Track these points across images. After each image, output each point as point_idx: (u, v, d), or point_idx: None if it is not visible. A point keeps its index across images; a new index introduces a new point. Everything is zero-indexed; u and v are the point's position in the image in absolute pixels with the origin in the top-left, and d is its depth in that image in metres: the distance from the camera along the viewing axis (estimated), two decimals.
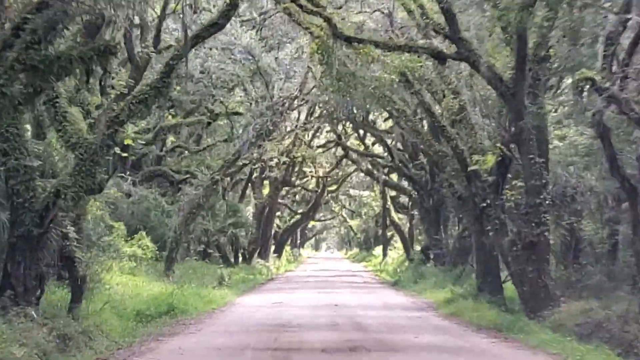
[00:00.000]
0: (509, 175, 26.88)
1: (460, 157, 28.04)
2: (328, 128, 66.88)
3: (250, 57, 36.47)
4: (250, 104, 36.73)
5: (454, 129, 28.76)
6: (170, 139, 47.77)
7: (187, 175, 41.40)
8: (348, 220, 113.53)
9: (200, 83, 37.51)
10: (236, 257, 58.19)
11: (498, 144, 25.76)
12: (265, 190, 64.23)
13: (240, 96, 37.59)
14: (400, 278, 46.00)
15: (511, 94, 24.44)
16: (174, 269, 36.43)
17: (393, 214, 61.22)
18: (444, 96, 29.01)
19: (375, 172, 54.41)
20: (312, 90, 38.51)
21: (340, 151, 71.78)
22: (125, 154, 32.65)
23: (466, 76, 29.46)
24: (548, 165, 25.38)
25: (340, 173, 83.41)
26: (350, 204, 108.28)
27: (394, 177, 60.48)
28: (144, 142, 38.56)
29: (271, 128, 35.90)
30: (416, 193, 49.72)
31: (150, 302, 25.23)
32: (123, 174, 37.22)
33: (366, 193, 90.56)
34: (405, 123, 30.10)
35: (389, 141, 49.67)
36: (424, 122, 34.86)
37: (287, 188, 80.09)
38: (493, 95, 28.14)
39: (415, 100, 29.27)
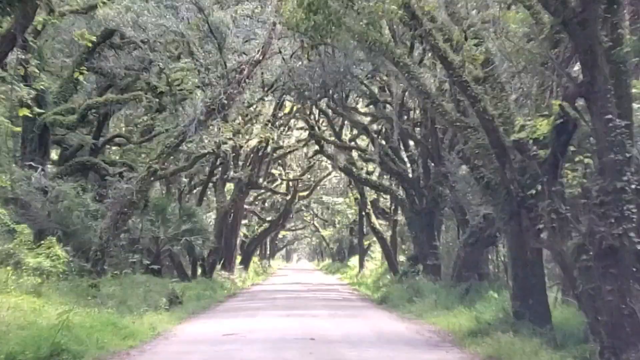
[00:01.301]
0: (571, 148, 17.59)
1: (490, 126, 18.82)
2: (300, 124, 57.79)
3: (199, 13, 27.28)
4: (199, 71, 27.15)
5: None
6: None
7: (124, 169, 31.86)
8: (320, 229, 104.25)
9: (133, 45, 28.21)
10: (194, 270, 48.68)
11: (556, 101, 16.52)
12: (229, 194, 54.71)
13: (186, 61, 28.06)
14: (387, 294, 36.58)
15: (578, 23, 15.28)
16: (100, 286, 26.93)
17: (373, 219, 51.88)
18: (465, 39, 19.71)
19: (354, 169, 45.02)
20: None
21: (311, 153, 62.70)
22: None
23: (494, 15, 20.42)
24: (633, 131, 16.07)
25: (312, 178, 74.40)
26: (322, 213, 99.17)
27: (374, 177, 51.09)
28: (70, 125, 29.40)
29: (225, 102, 26.46)
30: (404, 193, 40.41)
31: (28, 341, 15.82)
32: (36, 164, 27.82)
33: (340, 200, 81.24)
34: (409, 81, 20.73)
35: (374, 126, 40.31)
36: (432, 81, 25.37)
37: (254, 192, 70.93)
38: (529, 45, 19.18)
39: (421, 46, 19.94)
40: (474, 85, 19.24)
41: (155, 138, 31.87)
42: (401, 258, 52.31)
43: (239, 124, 32.58)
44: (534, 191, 17.49)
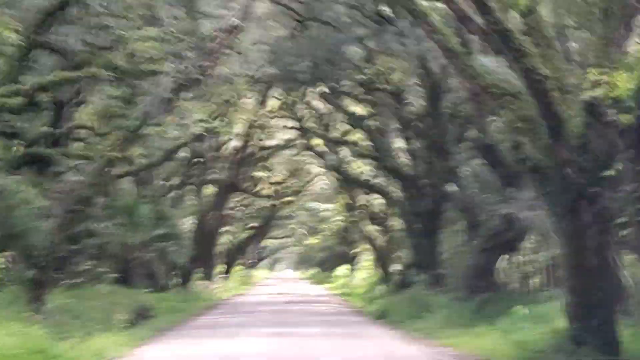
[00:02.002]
0: None
1: (541, 88, 13.93)
2: (285, 122, 52.77)
3: None
4: (164, 40, 22.04)
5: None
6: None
7: (81, 161, 26.69)
8: (306, 237, 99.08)
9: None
10: (170, 279, 43.57)
11: None
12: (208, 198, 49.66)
13: (150, 29, 22.97)
14: (386, 308, 31.68)
15: None
16: (46, 299, 21.89)
17: (366, 224, 46.83)
18: None
19: (344, 167, 40.01)
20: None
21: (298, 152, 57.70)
22: None
23: None
24: None
25: (298, 183, 69.37)
26: (308, 221, 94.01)
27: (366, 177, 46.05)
28: (16, 109, 24.45)
29: (197, 77, 21.42)
30: (402, 193, 35.48)
31: None
32: None
33: (327, 206, 76.19)
34: (429, 35, 15.79)
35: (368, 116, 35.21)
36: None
37: (236, 196, 65.85)
38: None
39: None
40: (519, 36, 14.32)
41: (111, 121, 26.91)
42: (397, 267, 47.28)
43: (215, 105, 27.40)
44: (606, 174, 12.61)
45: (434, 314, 25.28)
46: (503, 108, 14.95)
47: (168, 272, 43.64)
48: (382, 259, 45.94)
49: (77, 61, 25.63)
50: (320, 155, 40.32)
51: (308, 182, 67.73)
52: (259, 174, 58.45)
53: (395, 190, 38.98)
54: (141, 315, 31.25)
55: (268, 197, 59.23)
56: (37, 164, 27.44)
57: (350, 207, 63.82)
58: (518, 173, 24.56)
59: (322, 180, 72.15)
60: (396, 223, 47.54)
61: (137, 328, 26.21)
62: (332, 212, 76.41)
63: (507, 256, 27.23)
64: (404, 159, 34.70)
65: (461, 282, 30.78)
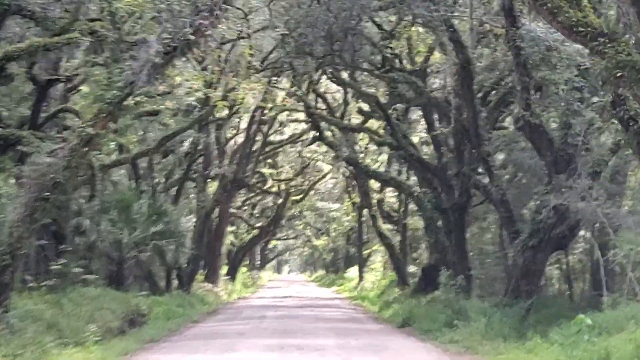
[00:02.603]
0: None
1: None
2: (294, 115, 48.86)
3: None
4: None
5: None
6: None
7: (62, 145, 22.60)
8: (313, 239, 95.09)
9: None
10: (169, 281, 39.44)
11: None
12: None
13: None
14: (410, 315, 27.54)
15: None
16: (8, 306, 17.85)
17: (380, 222, 42.67)
18: None
19: (359, 159, 35.85)
20: None
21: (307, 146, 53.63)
22: None
23: None
24: None
25: (306, 182, 65.37)
26: (315, 222, 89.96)
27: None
28: None
29: (191, 38, 17.35)
30: (425, 186, 31.40)
31: None
32: None
33: (336, 206, 72.19)
34: None
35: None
36: None
37: (242, 194, 61.80)
38: None
39: None
40: None
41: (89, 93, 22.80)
42: (413, 269, 43.22)
43: (213, 72, 23.15)
44: None
45: (469, 322, 21.13)
46: (597, 53, 10.79)
47: (167, 273, 39.57)
48: (397, 260, 41.80)
49: (56, 29, 21.71)
50: (331, 146, 36.14)
51: (317, 180, 63.72)
52: (266, 170, 54.47)
53: (414, 184, 34.95)
54: (133, 322, 27.40)
55: (276, 193, 55.08)
56: (7, 148, 23.51)
57: (360, 206, 59.95)
58: (570, 157, 20.54)
59: (331, 179, 68.30)
60: (413, 221, 43.51)
61: (124, 338, 22.26)
62: (341, 212, 72.46)
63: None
64: (426, 148, 30.58)
65: (499, 285, 26.91)
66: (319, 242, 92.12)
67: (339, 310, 36.30)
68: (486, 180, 26.24)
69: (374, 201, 43.11)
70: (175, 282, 40.76)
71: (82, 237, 32.29)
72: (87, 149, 18.13)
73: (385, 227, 43.26)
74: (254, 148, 47.39)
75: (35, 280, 23.18)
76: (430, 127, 28.79)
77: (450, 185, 28.61)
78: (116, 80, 18.05)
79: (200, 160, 43.44)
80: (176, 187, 39.71)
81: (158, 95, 17.76)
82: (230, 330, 24.19)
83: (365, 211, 59.59)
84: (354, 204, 61.90)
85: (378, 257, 62.06)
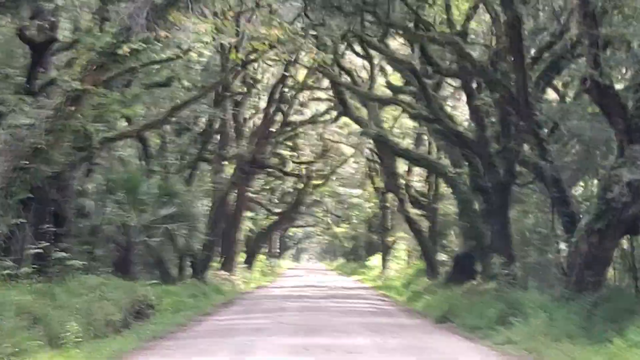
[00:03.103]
0: None
1: None
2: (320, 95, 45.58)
3: None
4: None
5: None
6: None
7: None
8: (333, 226, 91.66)
9: None
10: (181, 269, 36.26)
11: None
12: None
13: None
14: (450, 308, 24.14)
15: None
16: None
17: (408, 207, 39.19)
18: None
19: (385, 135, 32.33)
20: None
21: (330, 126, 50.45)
22: None
23: None
24: None
25: (327, 167, 61.99)
26: (335, 209, 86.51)
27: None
28: None
29: None
30: (462, 165, 28.00)
31: None
32: None
33: (357, 191, 68.77)
34: None
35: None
36: None
37: (260, 178, 58.51)
38: None
39: None
40: None
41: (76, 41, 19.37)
42: (443, 257, 39.83)
43: (223, 18, 19.78)
44: None
45: (526, 318, 17.73)
46: None
47: (180, 260, 36.40)
48: (427, 248, 38.40)
49: None
50: (358, 122, 32.61)
51: (339, 164, 60.31)
52: (286, 152, 51.16)
53: (446, 165, 31.54)
54: (139, 314, 24.26)
55: (296, 176, 51.72)
56: None
57: (384, 191, 56.56)
58: None
59: (353, 163, 64.91)
60: (443, 206, 40.11)
61: (124, 334, 19.07)
62: (362, 199, 69.09)
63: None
64: (462, 121, 27.13)
65: (546, 275, 23.55)
66: (339, 230, 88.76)
67: (366, 302, 32.96)
68: (535, 156, 22.79)
69: (402, 183, 39.62)
70: (189, 270, 37.67)
71: (85, 220, 29.33)
72: (74, 108, 14.79)
73: (413, 211, 39.82)
74: (273, 129, 44.09)
75: (25, 266, 19.95)
76: (470, 98, 25.30)
77: (492, 163, 25.14)
78: (109, 26, 14.68)
79: (217, 140, 40.24)
80: (190, 168, 36.40)
81: (157, 41, 14.42)
82: (246, 325, 20.89)
83: (389, 196, 56.39)
84: (376, 189, 58.51)
85: (402, 245, 58.65)
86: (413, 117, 29.19)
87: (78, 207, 28.93)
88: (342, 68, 35.24)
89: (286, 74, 38.38)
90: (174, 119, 29.79)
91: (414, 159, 32.09)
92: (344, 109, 32.13)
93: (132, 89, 25.60)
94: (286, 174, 47.21)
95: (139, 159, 35.92)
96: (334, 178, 67.10)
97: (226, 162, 40.35)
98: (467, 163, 27.37)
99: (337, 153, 60.45)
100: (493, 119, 25.06)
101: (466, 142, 25.81)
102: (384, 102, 30.54)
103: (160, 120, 25.51)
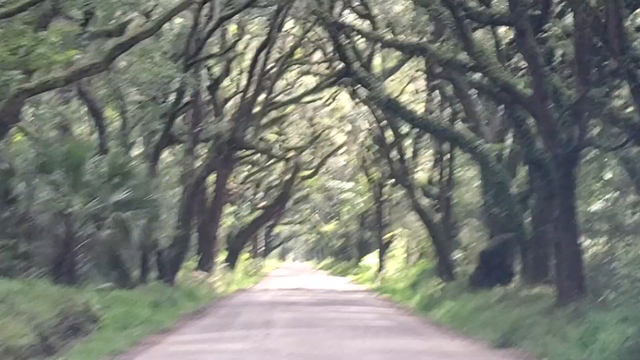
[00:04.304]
0: None
1: None
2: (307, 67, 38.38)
3: None
4: None
5: None
6: None
7: None
8: (321, 224, 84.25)
9: None
10: (145, 270, 28.63)
11: None
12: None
13: None
14: (515, 326, 16.64)
15: None
16: None
17: (418, 195, 31.63)
18: None
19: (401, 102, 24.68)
20: None
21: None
22: None
23: None
24: None
25: (315, 159, 54.73)
26: (324, 205, 79.11)
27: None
28: None
29: None
30: (514, 132, 20.65)
31: None
32: None
33: (349, 185, 61.36)
34: None
35: None
36: None
37: (245, 171, 51.24)
38: None
39: None
40: None
41: None
42: (458, 254, 32.49)
43: None
44: None
45: (601, 332, 10.49)
46: None
47: (143, 259, 28.81)
48: (440, 244, 30.94)
49: None
50: (364, 83, 24.89)
51: (330, 153, 53.06)
52: (272, 136, 43.75)
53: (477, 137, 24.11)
54: (74, 331, 17.02)
55: (283, 159, 44.23)
56: None
57: (380, 182, 49.29)
58: None
59: (345, 153, 57.57)
60: (459, 193, 32.79)
61: None
62: (354, 193, 61.68)
63: None
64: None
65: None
66: (328, 228, 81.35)
67: (371, 309, 25.57)
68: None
69: (410, 168, 32.05)
70: (159, 271, 30.19)
71: (11, 206, 22.04)
72: None
73: (424, 201, 32.37)
74: (257, 107, 36.54)
75: None
76: (521, 37, 17.77)
77: (553, 126, 17.72)
78: None
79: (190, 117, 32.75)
80: (155, 147, 28.82)
81: None
82: (213, 355, 13.40)
83: (387, 188, 49.12)
84: (372, 180, 51.20)
85: (400, 242, 51.20)
86: (444, 64, 21.31)
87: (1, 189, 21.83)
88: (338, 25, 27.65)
89: (275, 33, 30.90)
90: (121, 64, 22.35)
91: (437, 131, 24.39)
92: (346, 68, 24.64)
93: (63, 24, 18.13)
94: (272, 156, 39.62)
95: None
96: (324, 170, 59.83)
97: (200, 142, 32.89)
98: (515, 132, 19.93)
99: (328, 142, 53.23)
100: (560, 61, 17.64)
101: (519, 98, 18.32)
102: (407, 48, 22.62)
103: (99, 63, 17.88)
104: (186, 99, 29.17)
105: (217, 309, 26.02)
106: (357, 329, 18.01)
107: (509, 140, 25.57)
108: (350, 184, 61.13)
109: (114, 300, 21.86)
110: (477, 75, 20.24)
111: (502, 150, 24.79)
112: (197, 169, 31.54)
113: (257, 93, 33.43)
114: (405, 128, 33.38)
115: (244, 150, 39.14)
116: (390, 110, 24.52)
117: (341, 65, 27.64)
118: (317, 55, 40.37)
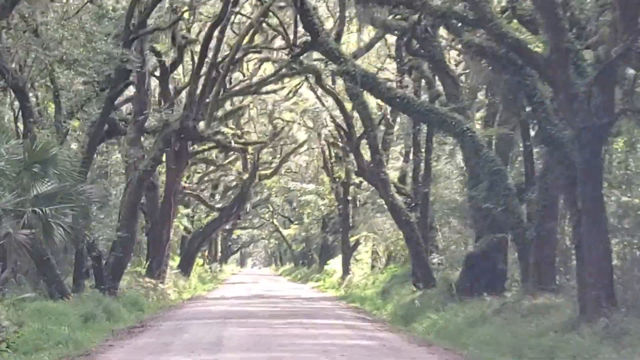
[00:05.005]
0: None
1: None
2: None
3: None
4: None
5: None
6: None
7: None
8: (281, 228, 79.95)
9: None
10: (80, 277, 24.09)
11: None
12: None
13: None
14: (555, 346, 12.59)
15: None
16: None
17: (393, 191, 27.40)
18: None
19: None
20: None
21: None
22: None
23: None
24: None
25: (275, 159, 50.57)
26: (284, 209, 74.90)
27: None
28: None
29: None
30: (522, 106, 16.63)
31: None
32: None
33: (311, 186, 57.06)
34: None
35: None
36: None
37: (200, 169, 47.08)
38: None
39: None
40: None
41: None
42: (438, 258, 28.41)
43: None
44: None
45: None
46: None
47: (76, 264, 24.30)
48: (417, 247, 26.74)
49: None
50: (331, 57, 20.58)
51: (291, 151, 48.90)
52: (229, 129, 39.34)
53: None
54: None
55: (240, 150, 39.82)
56: None
57: (345, 182, 45.18)
58: None
59: (305, 154, 53.45)
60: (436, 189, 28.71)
61: None
62: (316, 194, 57.32)
63: None
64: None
65: None
66: (288, 232, 76.99)
67: (343, 324, 21.29)
68: None
69: (383, 161, 27.79)
70: (97, 278, 25.64)
71: None
72: None
73: (399, 198, 28.16)
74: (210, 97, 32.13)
75: None
76: None
77: (574, 96, 13.67)
78: None
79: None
80: (88, 135, 24.26)
81: None
82: None
83: (351, 188, 45.06)
84: (336, 179, 47.04)
85: (366, 246, 47.01)
86: (442, 15, 17.04)
87: None
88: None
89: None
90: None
91: (419, 113, 20.06)
92: (312, 39, 20.35)
93: None
94: (227, 149, 35.06)
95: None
96: (284, 171, 55.63)
97: (146, 133, 28.49)
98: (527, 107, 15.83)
99: (289, 140, 49.01)
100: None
101: (533, 60, 14.23)
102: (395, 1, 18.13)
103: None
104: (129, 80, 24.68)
105: (161, 322, 21.62)
106: (331, 354, 13.75)
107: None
108: (312, 186, 56.83)
109: (32, 315, 17.57)
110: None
111: (493, 136, 20.78)
112: (142, 162, 27.10)
113: (209, 77, 29.05)
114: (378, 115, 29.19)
115: (197, 144, 34.83)
116: (366, 87, 20.34)
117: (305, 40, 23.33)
118: (279, 43, 36.15)
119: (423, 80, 24.30)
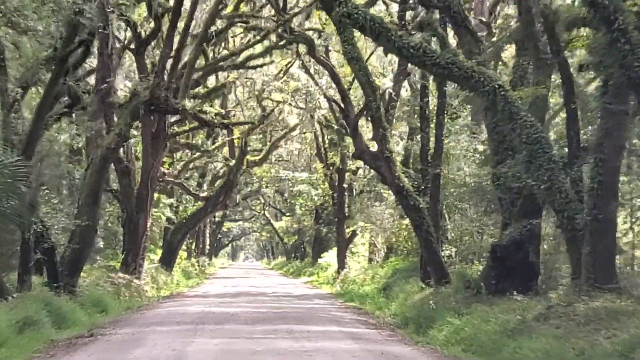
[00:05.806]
0: None
1: None
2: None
3: None
4: None
5: None
6: None
7: None
8: (272, 221, 75.61)
9: None
10: (26, 272, 19.48)
11: None
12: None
13: None
14: None
15: None
16: None
17: (400, 172, 22.86)
18: None
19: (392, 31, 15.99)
20: None
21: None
22: None
23: None
24: None
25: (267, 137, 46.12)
26: (275, 201, 70.40)
27: None
28: None
29: None
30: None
31: None
32: None
33: (304, 175, 52.60)
34: None
35: None
36: None
37: (185, 155, 42.67)
38: None
39: None
40: None
41: None
42: (449, 250, 23.92)
43: None
44: None
45: None
46: None
47: (23, 257, 19.69)
48: (427, 237, 22.17)
49: None
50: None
51: (282, 136, 44.41)
52: (212, 109, 34.73)
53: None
54: None
55: (223, 127, 35.18)
56: None
57: (340, 168, 40.81)
58: None
59: (298, 140, 49.06)
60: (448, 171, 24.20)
61: None
62: (309, 183, 52.84)
63: None
64: None
65: None
66: (280, 224, 72.49)
67: (344, 332, 16.82)
68: None
69: (387, 137, 23.24)
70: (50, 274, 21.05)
71: None
72: None
73: (405, 180, 23.60)
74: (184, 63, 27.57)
75: None
76: None
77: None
78: None
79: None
80: (40, 105, 19.70)
81: None
82: None
83: (349, 174, 40.69)
84: (330, 166, 42.62)
85: (363, 238, 42.56)
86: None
87: None
88: None
89: None
90: None
91: (439, 65, 15.26)
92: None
93: None
94: (207, 124, 30.37)
95: None
96: (275, 159, 51.19)
97: (113, 107, 23.87)
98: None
99: (280, 126, 44.58)
100: None
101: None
102: None
103: None
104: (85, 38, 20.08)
105: (118, 328, 17.07)
106: None
107: None
108: (305, 175, 52.37)
109: None
110: None
111: (529, 98, 16.33)
112: (105, 139, 22.54)
113: (183, 43, 24.53)
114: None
115: (176, 124, 30.34)
116: (373, 34, 15.76)
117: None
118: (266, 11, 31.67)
119: (434, 38, 19.79)
